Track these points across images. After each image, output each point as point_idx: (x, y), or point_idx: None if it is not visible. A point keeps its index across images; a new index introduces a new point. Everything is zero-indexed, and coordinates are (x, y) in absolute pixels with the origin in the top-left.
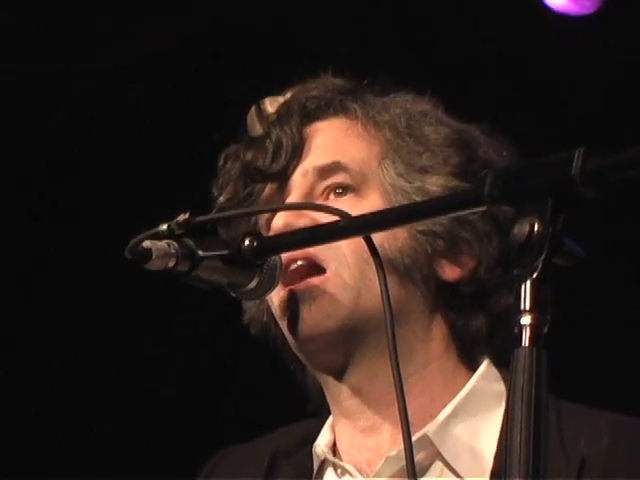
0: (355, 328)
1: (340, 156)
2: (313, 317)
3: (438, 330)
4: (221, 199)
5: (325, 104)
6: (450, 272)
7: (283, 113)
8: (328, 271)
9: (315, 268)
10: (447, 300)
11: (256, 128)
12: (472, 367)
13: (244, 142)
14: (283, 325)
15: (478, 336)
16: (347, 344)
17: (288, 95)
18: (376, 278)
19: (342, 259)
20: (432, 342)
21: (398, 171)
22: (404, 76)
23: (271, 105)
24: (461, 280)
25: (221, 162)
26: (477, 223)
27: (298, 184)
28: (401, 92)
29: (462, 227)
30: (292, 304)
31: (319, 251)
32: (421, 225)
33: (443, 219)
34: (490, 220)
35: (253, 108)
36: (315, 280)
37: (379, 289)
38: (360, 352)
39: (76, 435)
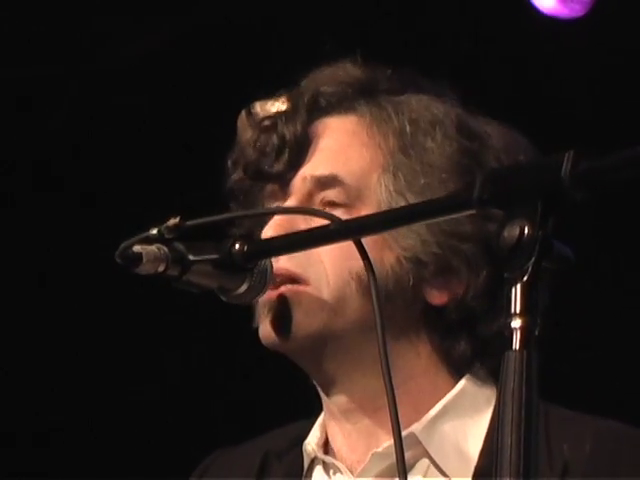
0: (325, 343)
1: (339, 168)
2: (282, 325)
3: (423, 348)
4: (234, 176)
5: (337, 101)
6: (436, 297)
7: (292, 106)
8: (307, 286)
9: (296, 280)
10: (432, 322)
11: (247, 132)
12: (463, 376)
13: (252, 127)
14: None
15: (463, 359)
16: (319, 354)
17: (303, 83)
18: (353, 301)
19: (323, 277)
20: (418, 359)
21: (397, 188)
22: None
23: (261, 108)
24: (447, 305)
25: (237, 135)
26: (468, 251)
27: (297, 189)
28: (418, 91)
29: (453, 255)
30: (268, 309)
31: (301, 268)
32: (408, 252)
33: (433, 245)
34: (481, 248)
35: (243, 112)
36: (293, 289)
37: (355, 314)
38: (335, 365)
39: (76, 435)
